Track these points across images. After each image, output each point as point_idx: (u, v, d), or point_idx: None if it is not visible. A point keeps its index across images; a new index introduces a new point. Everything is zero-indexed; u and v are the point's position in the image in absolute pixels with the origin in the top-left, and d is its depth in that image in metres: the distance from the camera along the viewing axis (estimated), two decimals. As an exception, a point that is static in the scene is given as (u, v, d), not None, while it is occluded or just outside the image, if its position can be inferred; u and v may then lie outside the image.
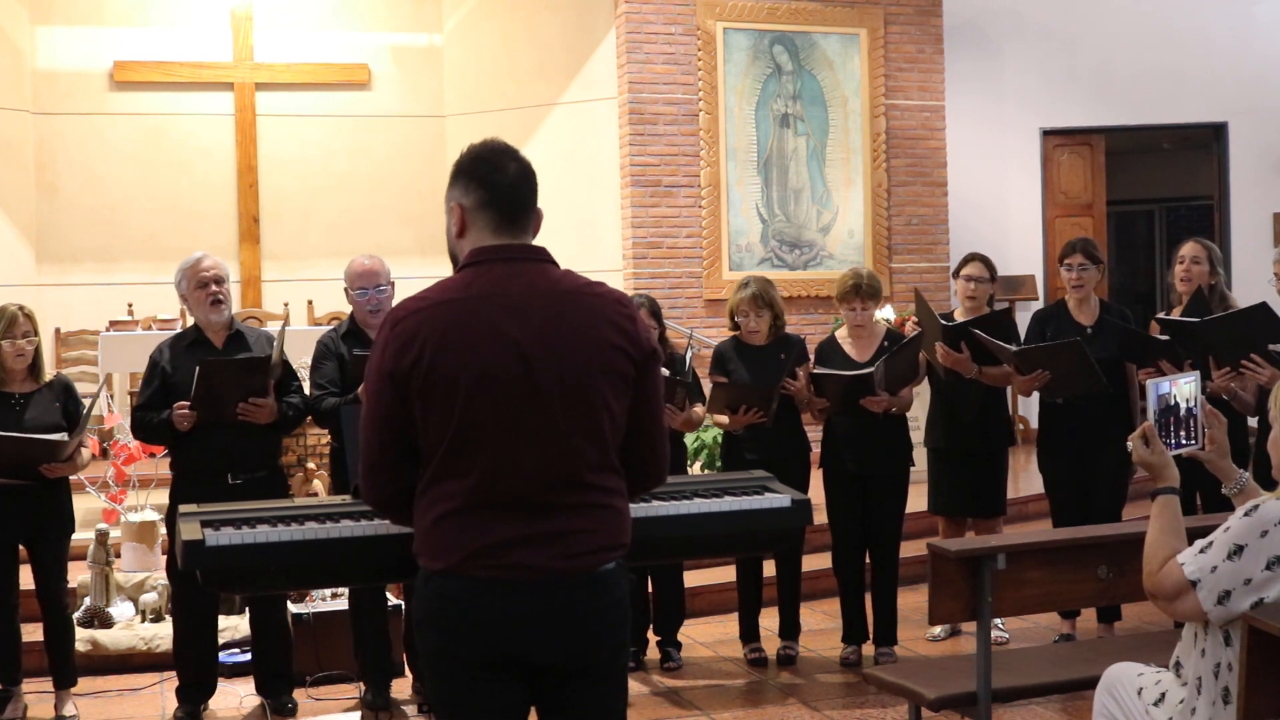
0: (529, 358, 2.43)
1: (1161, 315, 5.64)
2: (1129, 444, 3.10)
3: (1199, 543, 2.89)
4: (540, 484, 2.44)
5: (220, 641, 5.49)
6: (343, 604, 5.42)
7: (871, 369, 5.30)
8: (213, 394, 4.69)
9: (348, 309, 5.12)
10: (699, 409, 5.47)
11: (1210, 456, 3.25)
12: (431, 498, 2.48)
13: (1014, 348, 5.42)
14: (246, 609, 5.32)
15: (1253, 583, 2.79)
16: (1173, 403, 3.19)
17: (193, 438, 4.77)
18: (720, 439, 6.05)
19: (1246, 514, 2.83)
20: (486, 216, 2.53)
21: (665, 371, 5.29)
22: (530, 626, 2.44)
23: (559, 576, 2.44)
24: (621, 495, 2.56)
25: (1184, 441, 3.19)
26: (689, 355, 5.56)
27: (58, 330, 9.81)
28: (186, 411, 4.72)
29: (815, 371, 5.46)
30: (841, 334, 5.68)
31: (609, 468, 2.52)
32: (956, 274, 5.94)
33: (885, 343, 5.55)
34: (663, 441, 2.65)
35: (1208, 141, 11.56)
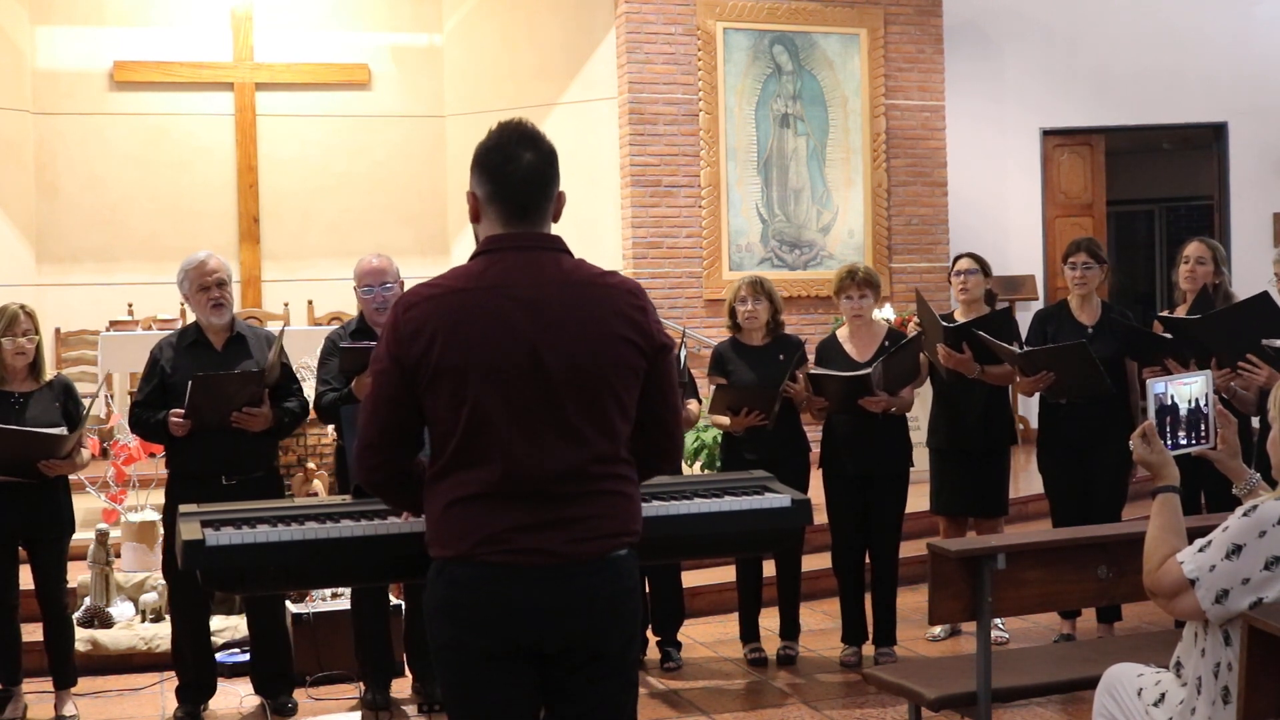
0: (538, 349, 2.44)
1: (1164, 314, 5.63)
2: (1131, 443, 3.10)
3: (1198, 541, 2.89)
4: (550, 475, 2.44)
5: (220, 641, 5.49)
6: (343, 604, 5.42)
7: (869, 370, 5.30)
8: (206, 406, 4.69)
9: (348, 308, 5.14)
10: (693, 406, 5.47)
11: (1220, 456, 3.25)
12: (443, 486, 2.49)
13: (1018, 350, 5.42)
14: (246, 609, 5.31)
15: (1251, 582, 2.80)
16: (1170, 403, 3.19)
17: (188, 439, 4.78)
18: (720, 439, 6.05)
19: (1245, 514, 2.84)
20: (495, 210, 2.54)
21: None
22: (542, 612, 2.44)
23: (571, 561, 2.45)
24: (630, 482, 2.57)
25: (1182, 441, 3.19)
26: (683, 353, 5.56)
27: (58, 330, 9.81)
28: (180, 421, 4.73)
29: (813, 371, 5.46)
30: (842, 334, 5.68)
31: (619, 458, 2.53)
32: (950, 274, 5.96)
33: (886, 343, 5.55)
34: (678, 428, 2.66)
35: (1208, 141, 11.56)
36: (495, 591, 2.43)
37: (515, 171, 2.51)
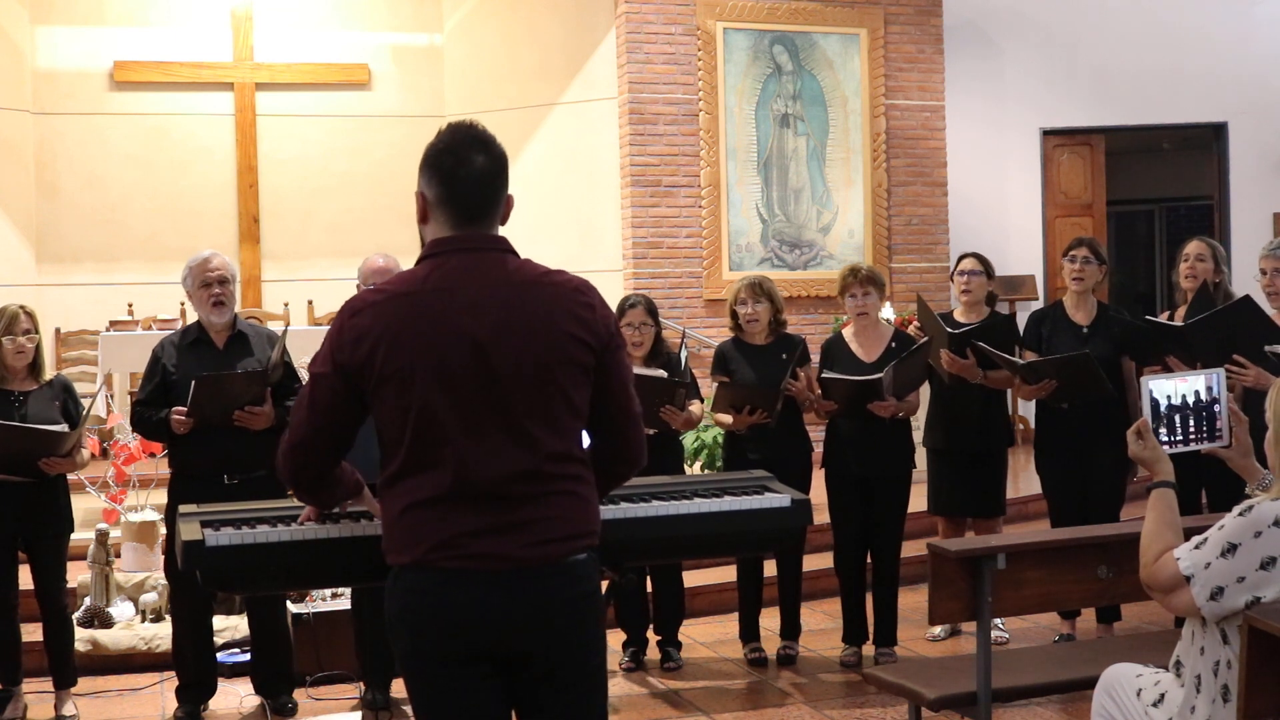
0: (485, 349, 2.42)
1: (1148, 318, 5.64)
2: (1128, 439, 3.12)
3: (1195, 538, 2.90)
4: (502, 476, 2.42)
5: (220, 641, 5.49)
6: (342, 604, 5.43)
7: (880, 374, 5.29)
8: (208, 405, 4.70)
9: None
10: (696, 407, 5.46)
11: (1232, 455, 3.26)
12: (395, 493, 2.47)
13: (1021, 361, 5.42)
14: (246, 609, 5.32)
15: (1246, 581, 2.80)
16: (1152, 398, 3.20)
17: (190, 438, 4.78)
18: (721, 439, 6.04)
19: (1241, 514, 2.85)
20: (445, 212, 2.54)
21: (662, 373, 5.30)
22: (500, 617, 2.42)
23: (527, 565, 2.42)
24: (586, 483, 2.54)
25: (1165, 438, 3.19)
26: (684, 354, 5.55)
27: (58, 330, 9.82)
28: (182, 419, 4.73)
29: (825, 376, 5.46)
30: (848, 332, 5.68)
31: (572, 458, 2.50)
32: (953, 274, 5.96)
33: (893, 344, 5.55)
34: (633, 426, 2.63)
35: (1208, 141, 11.57)
36: (450, 597, 2.41)
37: (468, 174, 2.51)
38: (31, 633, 5.14)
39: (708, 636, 6.08)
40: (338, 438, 2.54)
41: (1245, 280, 9.13)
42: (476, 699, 2.46)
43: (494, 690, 2.48)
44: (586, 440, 2.59)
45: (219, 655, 5.33)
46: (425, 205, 2.57)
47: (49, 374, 5.08)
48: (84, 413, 4.99)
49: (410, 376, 2.41)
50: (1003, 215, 10.99)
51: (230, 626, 5.76)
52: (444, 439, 2.41)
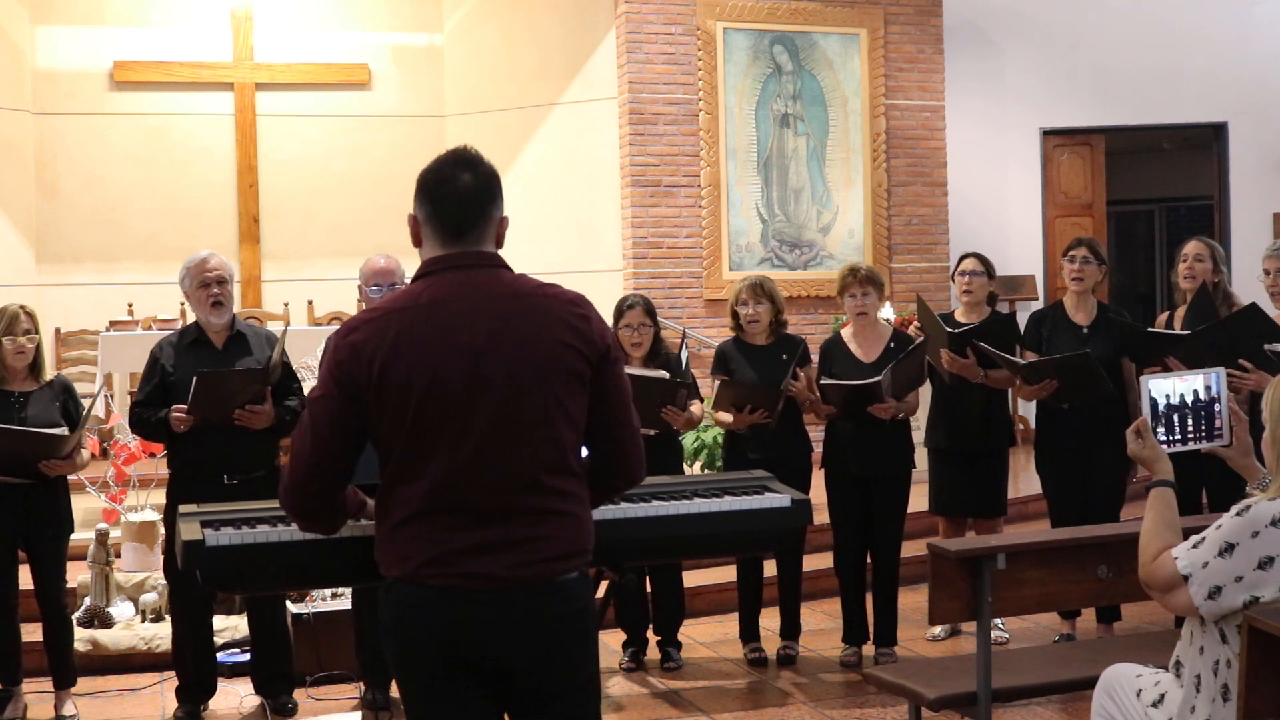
0: (480, 360, 2.43)
1: (1151, 329, 5.64)
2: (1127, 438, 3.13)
3: (1193, 538, 2.91)
4: (495, 487, 2.43)
5: (220, 641, 5.49)
6: (343, 604, 5.43)
7: (879, 378, 5.29)
8: (209, 403, 4.70)
9: (348, 308, 5.14)
10: (696, 407, 5.46)
11: (1233, 454, 3.26)
12: (388, 503, 2.49)
13: (1021, 361, 5.42)
14: (246, 609, 5.32)
15: (1244, 580, 2.81)
16: (1151, 397, 3.20)
17: (189, 438, 4.78)
18: (721, 439, 6.04)
19: (1238, 514, 2.85)
20: (433, 230, 2.55)
21: (664, 374, 5.30)
22: (490, 634, 2.43)
23: (515, 586, 2.43)
24: (580, 500, 2.54)
25: (1163, 437, 3.19)
26: (684, 354, 5.55)
27: (58, 330, 9.82)
28: (183, 416, 4.73)
29: (824, 383, 5.46)
30: (846, 333, 5.68)
31: (567, 470, 2.51)
32: (954, 274, 5.96)
33: (892, 344, 5.55)
34: (631, 441, 2.63)
35: (1208, 141, 11.57)
36: (440, 613, 2.43)
37: (452, 192, 2.52)
38: (31, 633, 5.14)
39: (708, 636, 6.08)
40: (346, 463, 2.53)
41: (1245, 280, 9.14)
42: (464, 707, 2.48)
43: (484, 700, 2.50)
44: (584, 453, 2.60)
45: (219, 655, 5.33)
46: (417, 227, 2.59)
47: (49, 374, 5.07)
48: (84, 413, 4.99)
49: (407, 387, 2.42)
50: (1003, 215, 10.99)
51: (230, 626, 5.76)
52: (438, 449, 2.42)
